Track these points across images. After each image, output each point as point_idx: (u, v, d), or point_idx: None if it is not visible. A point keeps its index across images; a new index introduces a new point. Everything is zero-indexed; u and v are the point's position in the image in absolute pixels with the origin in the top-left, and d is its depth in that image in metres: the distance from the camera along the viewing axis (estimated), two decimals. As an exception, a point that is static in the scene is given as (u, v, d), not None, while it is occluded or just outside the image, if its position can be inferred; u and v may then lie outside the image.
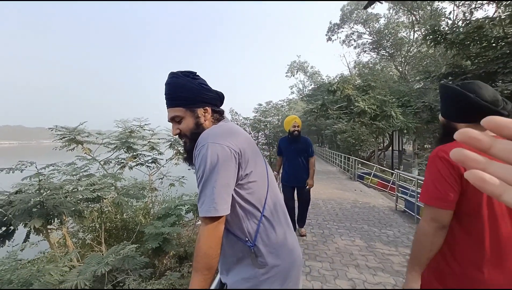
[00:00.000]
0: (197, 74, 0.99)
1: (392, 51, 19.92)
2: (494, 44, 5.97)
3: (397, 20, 19.63)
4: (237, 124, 6.18)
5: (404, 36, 19.69)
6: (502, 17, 5.81)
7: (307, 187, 3.41)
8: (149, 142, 6.50)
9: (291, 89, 36.07)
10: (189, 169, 1.05)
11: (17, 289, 2.34)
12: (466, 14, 7.53)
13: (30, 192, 3.34)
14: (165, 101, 0.98)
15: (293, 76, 32.50)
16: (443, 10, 14.84)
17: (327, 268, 2.77)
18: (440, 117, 1.04)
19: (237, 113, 21.60)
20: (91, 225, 4.71)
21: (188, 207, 4.84)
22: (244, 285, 0.89)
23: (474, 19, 6.38)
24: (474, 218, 0.85)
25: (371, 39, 21.60)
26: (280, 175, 3.61)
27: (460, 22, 6.69)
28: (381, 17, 20.78)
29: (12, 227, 3.08)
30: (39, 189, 3.30)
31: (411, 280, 0.91)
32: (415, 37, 18.35)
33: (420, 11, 16.47)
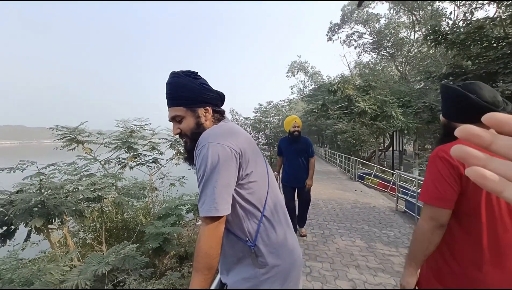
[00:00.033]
0: (198, 74, 0.99)
1: (393, 51, 19.90)
2: (494, 45, 5.96)
3: (398, 20, 19.62)
4: (238, 124, 6.18)
5: (404, 36, 19.68)
6: (503, 17, 5.80)
7: (306, 187, 3.41)
8: (149, 142, 6.51)
9: (291, 89, 36.15)
10: (189, 169, 1.05)
11: (18, 289, 2.35)
12: (466, 14, 7.51)
13: (31, 191, 3.35)
14: (165, 100, 0.98)
15: (294, 76, 32.54)
16: (444, 10, 14.84)
17: (328, 268, 2.77)
18: (441, 117, 1.05)
19: (237, 113, 21.65)
20: (91, 224, 4.71)
21: (189, 207, 4.84)
22: (245, 285, 0.89)
23: (474, 19, 6.37)
24: (473, 217, 0.86)
25: (371, 39, 21.58)
26: (281, 175, 3.61)
27: (461, 22, 6.68)
28: (381, 17, 20.78)
29: (13, 227, 3.08)
30: (40, 188, 3.30)
31: (408, 275, 0.95)
32: (415, 37, 18.33)
33: (420, 11, 16.45)
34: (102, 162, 5.64)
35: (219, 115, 1.03)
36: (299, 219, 3.66)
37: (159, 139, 6.79)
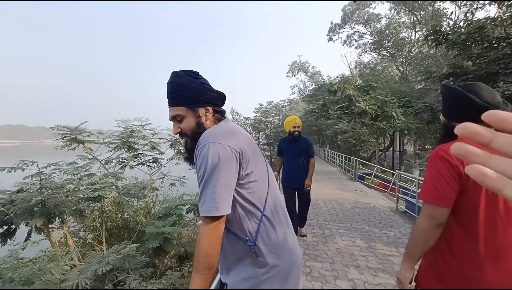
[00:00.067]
0: (199, 74, 0.99)
1: (393, 51, 19.89)
2: (495, 45, 5.95)
3: (399, 21, 19.59)
4: (238, 124, 6.20)
5: (405, 36, 19.64)
6: (504, 17, 5.79)
7: (305, 187, 3.39)
8: (150, 141, 6.52)
9: (292, 89, 36.14)
10: (189, 169, 1.05)
11: (19, 288, 2.35)
12: (467, 15, 7.50)
13: (31, 191, 3.36)
14: (166, 100, 0.98)
15: (294, 76, 32.52)
16: (445, 11, 14.81)
17: (328, 268, 2.77)
18: (441, 117, 1.06)
19: (238, 113, 21.66)
20: (92, 224, 4.72)
21: (189, 207, 4.84)
22: (244, 285, 0.89)
23: (475, 19, 6.35)
24: (473, 216, 0.86)
25: (372, 39, 21.57)
26: (281, 175, 3.60)
27: (462, 22, 6.68)
28: (382, 18, 20.76)
29: (13, 226, 3.09)
30: (40, 188, 3.31)
31: (405, 269, 0.98)
32: (416, 38, 18.30)
33: (421, 12, 16.42)
34: (103, 162, 5.64)
35: (220, 115, 1.03)
36: (299, 219, 3.65)
37: (160, 139, 6.80)
